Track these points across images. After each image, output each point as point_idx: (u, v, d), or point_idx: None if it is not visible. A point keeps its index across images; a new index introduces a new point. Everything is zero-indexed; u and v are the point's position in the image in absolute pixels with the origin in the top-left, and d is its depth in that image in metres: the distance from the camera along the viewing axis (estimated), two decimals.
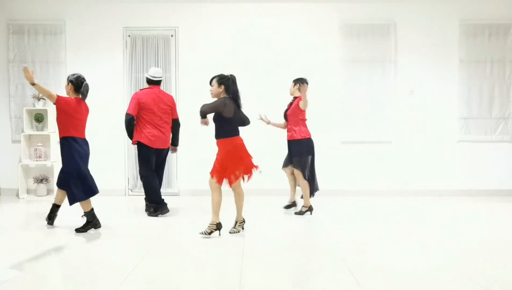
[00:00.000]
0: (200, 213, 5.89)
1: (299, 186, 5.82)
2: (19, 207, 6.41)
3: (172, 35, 7.07)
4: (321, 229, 5.13)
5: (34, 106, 6.96)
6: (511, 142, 7.16)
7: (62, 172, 4.89)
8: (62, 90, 7.02)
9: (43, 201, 6.72)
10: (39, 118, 6.97)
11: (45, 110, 6.95)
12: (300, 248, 4.47)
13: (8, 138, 7.14)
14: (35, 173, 7.06)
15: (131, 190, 7.18)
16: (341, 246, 4.42)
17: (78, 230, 4.87)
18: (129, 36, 7.08)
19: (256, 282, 3.54)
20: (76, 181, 4.79)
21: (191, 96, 6.81)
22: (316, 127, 6.94)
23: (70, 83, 4.90)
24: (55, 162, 6.95)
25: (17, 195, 6.98)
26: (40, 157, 6.96)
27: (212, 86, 4.69)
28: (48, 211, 5.15)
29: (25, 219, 5.87)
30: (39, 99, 6.89)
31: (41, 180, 6.97)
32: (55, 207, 5.09)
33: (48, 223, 5.11)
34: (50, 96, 4.73)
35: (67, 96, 4.92)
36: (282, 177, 6.84)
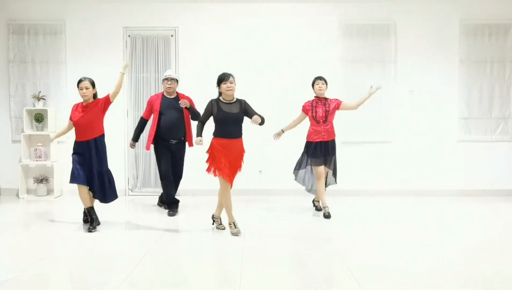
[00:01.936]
0: (200, 213, 5.89)
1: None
2: (19, 207, 6.41)
3: (172, 35, 7.07)
4: (321, 229, 5.13)
5: (34, 106, 6.96)
6: (511, 142, 7.16)
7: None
8: (61, 89, 7.07)
9: (43, 201, 6.73)
10: (39, 118, 6.97)
11: (45, 110, 6.95)
12: (300, 248, 4.47)
13: (8, 138, 7.14)
14: (35, 173, 7.06)
15: (131, 190, 7.18)
16: (341, 246, 4.42)
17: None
18: (129, 36, 7.08)
19: (256, 282, 3.54)
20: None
21: (191, 96, 6.80)
22: None
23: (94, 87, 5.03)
24: (55, 162, 6.96)
25: (17, 195, 6.98)
26: (40, 157, 6.96)
27: (232, 82, 4.73)
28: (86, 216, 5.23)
29: (25, 219, 5.87)
30: (39, 99, 6.89)
31: (41, 180, 6.97)
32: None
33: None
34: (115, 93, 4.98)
35: (91, 98, 5.00)
36: (283, 177, 6.84)
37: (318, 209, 5.90)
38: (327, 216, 5.56)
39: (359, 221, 5.47)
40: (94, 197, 5.05)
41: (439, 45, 7.06)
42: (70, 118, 5.05)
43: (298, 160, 5.89)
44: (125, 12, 7.04)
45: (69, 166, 5.04)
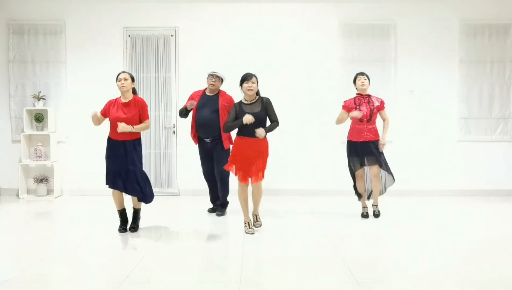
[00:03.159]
0: (199, 213, 5.90)
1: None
2: (19, 207, 6.41)
3: (172, 35, 7.07)
4: (321, 229, 5.13)
5: (34, 106, 6.96)
6: (511, 142, 7.16)
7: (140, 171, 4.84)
8: (61, 89, 7.07)
9: (43, 201, 6.73)
10: (39, 118, 6.97)
11: (45, 110, 6.95)
12: (300, 248, 4.47)
13: (8, 138, 7.14)
14: (35, 173, 7.06)
15: None
16: (341, 245, 4.42)
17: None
18: (129, 36, 7.08)
19: (256, 282, 3.54)
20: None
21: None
22: (316, 128, 6.95)
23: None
24: (55, 162, 6.95)
25: (17, 195, 6.98)
26: (40, 157, 6.96)
27: (253, 83, 4.78)
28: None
29: (25, 219, 5.87)
30: (39, 99, 6.89)
31: (41, 180, 6.97)
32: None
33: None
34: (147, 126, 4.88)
35: (130, 92, 4.86)
36: (282, 177, 6.84)
37: (364, 215, 5.60)
38: (365, 216, 5.57)
39: (359, 221, 5.47)
40: (134, 195, 4.86)
41: (439, 45, 7.06)
42: (104, 114, 4.82)
43: (348, 165, 5.71)
44: (125, 12, 7.04)
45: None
